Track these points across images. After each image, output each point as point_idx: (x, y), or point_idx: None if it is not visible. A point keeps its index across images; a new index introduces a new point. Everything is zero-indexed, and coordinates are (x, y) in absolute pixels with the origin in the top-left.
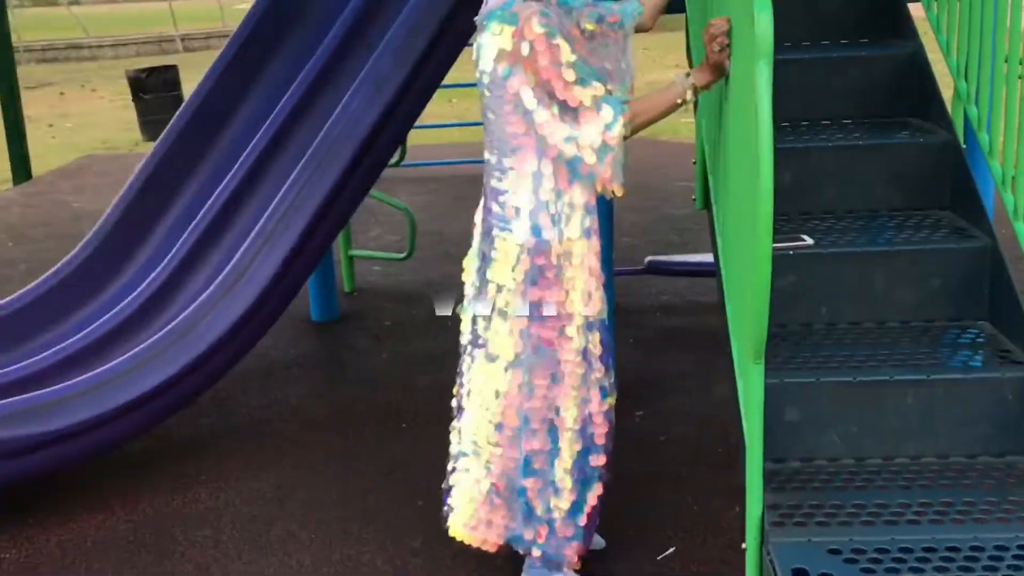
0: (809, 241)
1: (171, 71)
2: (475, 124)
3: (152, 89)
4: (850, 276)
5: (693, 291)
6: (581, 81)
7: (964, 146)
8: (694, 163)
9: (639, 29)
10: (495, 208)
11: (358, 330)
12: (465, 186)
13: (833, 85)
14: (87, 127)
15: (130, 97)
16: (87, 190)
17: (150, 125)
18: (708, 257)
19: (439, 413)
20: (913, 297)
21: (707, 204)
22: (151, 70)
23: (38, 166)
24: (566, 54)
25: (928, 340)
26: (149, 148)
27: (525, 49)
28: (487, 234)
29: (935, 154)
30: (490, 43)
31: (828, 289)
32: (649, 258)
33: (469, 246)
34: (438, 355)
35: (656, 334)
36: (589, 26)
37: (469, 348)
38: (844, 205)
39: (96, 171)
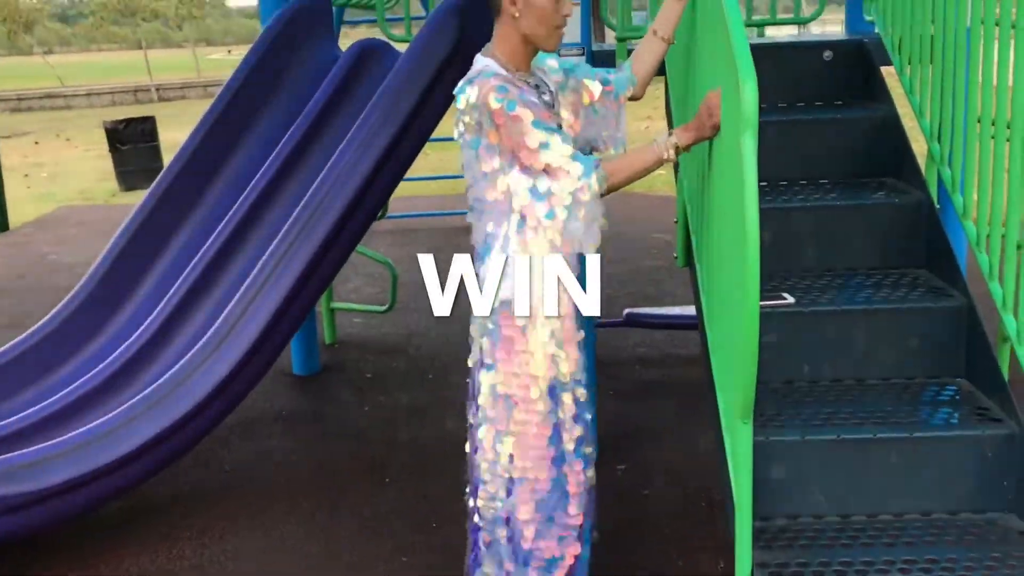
0: (790, 299)
1: (148, 122)
2: (451, 177)
3: (129, 140)
4: (831, 334)
5: (671, 343)
6: (545, 146)
7: (938, 206)
8: (675, 222)
9: (631, 98)
10: (475, 265)
11: (340, 383)
12: (440, 238)
13: (810, 146)
14: (63, 176)
15: (106, 147)
16: (65, 241)
17: (127, 176)
18: (685, 310)
19: (423, 467)
20: (892, 355)
21: (689, 262)
22: (128, 121)
23: (14, 216)
24: (528, 120)
25: (909, 397)
26: (126, 199)
27: (487, 122)
28: None
29: (910, 214)
30: (459, 115)
31: (809, 347)
32: (627, 310)
33: None
34: (421, 407)
35: (635, 386)
36: (587, 99)
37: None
38: (822, 264)
39: (74, 222)
